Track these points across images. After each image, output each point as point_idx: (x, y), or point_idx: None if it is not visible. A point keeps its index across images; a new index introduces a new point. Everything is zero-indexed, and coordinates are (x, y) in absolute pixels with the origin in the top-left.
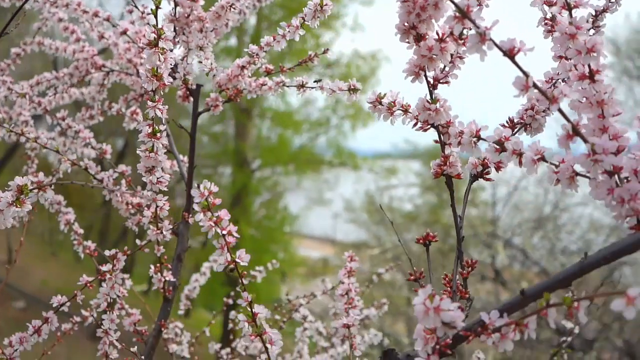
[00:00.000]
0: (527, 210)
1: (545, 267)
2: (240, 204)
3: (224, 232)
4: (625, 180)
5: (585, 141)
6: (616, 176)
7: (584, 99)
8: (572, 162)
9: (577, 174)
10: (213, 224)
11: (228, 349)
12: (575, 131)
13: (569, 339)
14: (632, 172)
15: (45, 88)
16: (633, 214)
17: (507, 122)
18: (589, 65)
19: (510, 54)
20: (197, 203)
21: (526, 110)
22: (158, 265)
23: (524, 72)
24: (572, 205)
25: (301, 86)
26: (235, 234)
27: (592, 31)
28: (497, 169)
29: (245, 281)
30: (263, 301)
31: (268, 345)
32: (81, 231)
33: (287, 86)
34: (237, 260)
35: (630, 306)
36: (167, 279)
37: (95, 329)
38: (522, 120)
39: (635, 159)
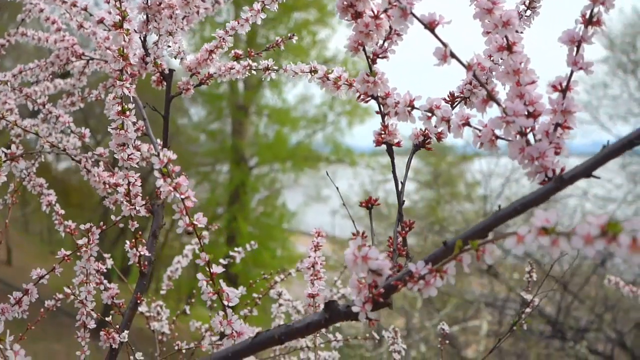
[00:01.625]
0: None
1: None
2: (238, 201)
3: (183, 196)
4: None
5: (499, 105)
6: (531, 137)
7: (503, 68)
8: (493, 126)
9: (497, 137)
10: (172, 189)
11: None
12: (490, 96)
13: (528, 309)
14: (544, 134)
15: (29, 77)
16: (542, 170)
17: (447, 95)
18: (507, 37)
19: (430, 26)
20: (156, 169)
21: (465, 84)
22: (133, 240)
23: (443, 43)
24: (564, 198)
25: (266, 69)
26: (194, 199)
27: (528, 12)
28: (438, 139)
29: (203, 242)
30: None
31: (225, 302)
32: (62, 212)
33: (255, 69)
34: (195, 222)
35: (520, 244)
36: (142, 253)
37: (94, 329)
38: (461, 94)
39: (547, 122)
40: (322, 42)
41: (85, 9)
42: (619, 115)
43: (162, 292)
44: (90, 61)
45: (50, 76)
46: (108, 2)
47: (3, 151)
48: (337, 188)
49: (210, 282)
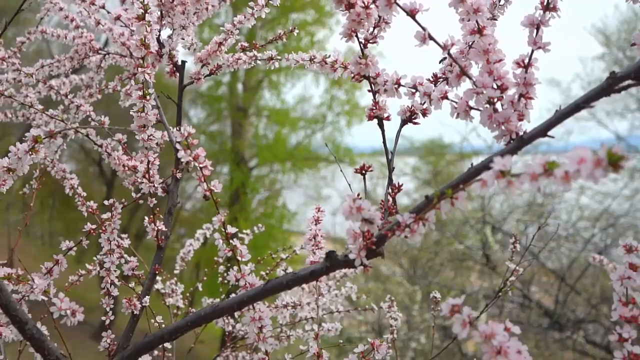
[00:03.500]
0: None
1: (535, 252)
2: (239, 201)
3: (201, 165)
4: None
5: (471, 79)
6: (499, 106)
7: (474, 49)
8: (466, 97)
9: (470, 107)
10: (192, 159)
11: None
12: (462, 72)
13: (512, 278)
14: (509, 103)
15: (49, 71)
16: (507, 133)
17: (431, 76)
18: (477, 22)
19: (412, 13)
20: (178, 142)
21: (446, 66)
22: (152, 216)
23: (423, 28)
24: (561, 192)
25: (270, 59)
26: (210, 167)
27: (502, 1)
28: (424, 114)
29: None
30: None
31: (239, 258)
32: (84, 194)
33: (259, 60)
34: (212, 188)
35: (484, 187)
36: (159, 228)
37: (98, 330)
38: (443, 75)
39: (512, 94)
40: (320, 42)
41: (103, 7)
42: (616, 112)
43: (175, 271)
44: (107, 56)
45: (70, 70)
46: (124, 1)
47: (42, 129)
48: (350, 185)
49: (226, 240)
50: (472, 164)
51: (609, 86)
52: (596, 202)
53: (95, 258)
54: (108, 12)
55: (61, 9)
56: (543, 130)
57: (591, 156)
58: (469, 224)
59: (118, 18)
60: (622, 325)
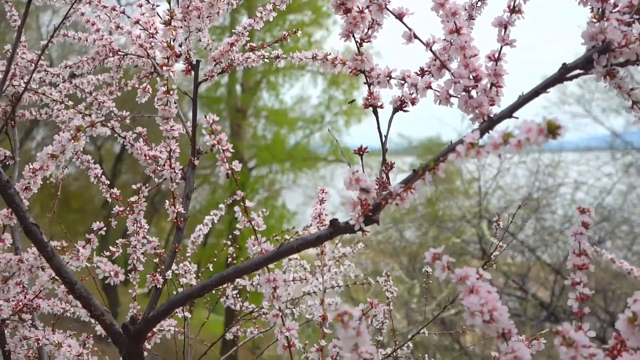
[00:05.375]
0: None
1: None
2: (238, 202)
3: (224, 148)
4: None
5: (449, 71)
6: (474, 93)
7: (451, 45)
8: (446, 87)
9: (450, 95)
10: (216, 142)
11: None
12: (442, 65)
13: (496, 253)
14: (482, 91)
15: (74, 70)
16: (480, 116)
17: (419, 69)
18: (455, 23)
19: (400, 16)
20: (204, 128)
21: (431, 61)
22: (172, 199)
23: (409, 28)
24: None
25: (277, 57)
26: (231, 150)
27: (479, 3)
28: (412, 103)
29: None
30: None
31: (256, 228)
32: (108, 182)
33: (267, 58)
34: (233, 167)
35: (458, 158)
36: (179, 211)
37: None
38: (429, 69)
39: (485, 83)
40: (318, 43)
41: (123, 12)
42: (612, 108)
43: (187, 254)
44: (125, 56)
45: (92, 70)
46: (141, 6)
47: (84, 118)
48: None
49: (245, 212)
50: (451, 142)
51: (561, 75)
52: (591, 197)
53: (117, 242)
54: (128, 17)
55: (83, 14)
56: (508, 113)
57: (535, 127)
58: (466, 219)
59: (137, 22)
60: (575, 272)
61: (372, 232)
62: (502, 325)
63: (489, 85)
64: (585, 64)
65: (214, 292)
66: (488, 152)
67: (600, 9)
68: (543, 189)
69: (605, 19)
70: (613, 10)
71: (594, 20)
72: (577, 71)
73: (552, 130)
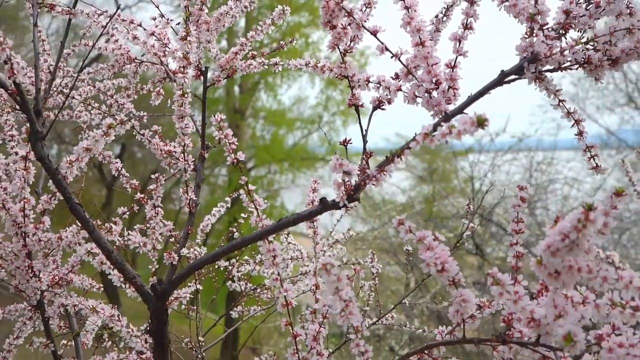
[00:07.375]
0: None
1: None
2: (238, 203)
3: (230, 141)
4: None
5: (414, 76)
6: (435, 94)
7: (417, 56)
8: (413, 89)
9: (416, 95)
10: (223, 137)
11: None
12: (409, 72)
13: (467, 233)
14: (441, 92)
15: (95, 75)
16: (440, 112)
17: (394, 74)
18: (419, 37)
19: (374, 33)
20: (213, 125)
21: (401, 68)
22: (185, 188)
23: (381, 42)
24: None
25: (275, 64)
26: (236, 142)
27: (444, 18)
28: (388, 102)
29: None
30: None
31: (258, 207)
32: (127, 175)
33: (267, 65)
34: (237, 157)
35: (417, 144)
36: (191, 197)
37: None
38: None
39: (444, 86)
40: (315, 44)
41: (140, 25)
42: (605, 106)
43: (197, 240)
44: (141, 64)
45: (112, 75)
46: (154, 19)
47: (114, 117)
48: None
49: (248, 195)
50: (415, 134)
51: (500, 79)
52: (586, 194)
53: (135, 227)
54: (144, 29)
55: (103, 27)
56: (459, 110)
57: (469, 120)
58: (459, 215)
59: (152, 34)
60: (513, 235)
61: (369, 229)
62: (452, 274)
63: (447, 88)
64: (518, 71)
65: (221, 270)
66: (439, 140)
67: (530, 27)
68: (536, 185)
69: (534, 35)
70: (544, 27)
71: (525, 36)
72: (513, 76)
73: (480, 122)
